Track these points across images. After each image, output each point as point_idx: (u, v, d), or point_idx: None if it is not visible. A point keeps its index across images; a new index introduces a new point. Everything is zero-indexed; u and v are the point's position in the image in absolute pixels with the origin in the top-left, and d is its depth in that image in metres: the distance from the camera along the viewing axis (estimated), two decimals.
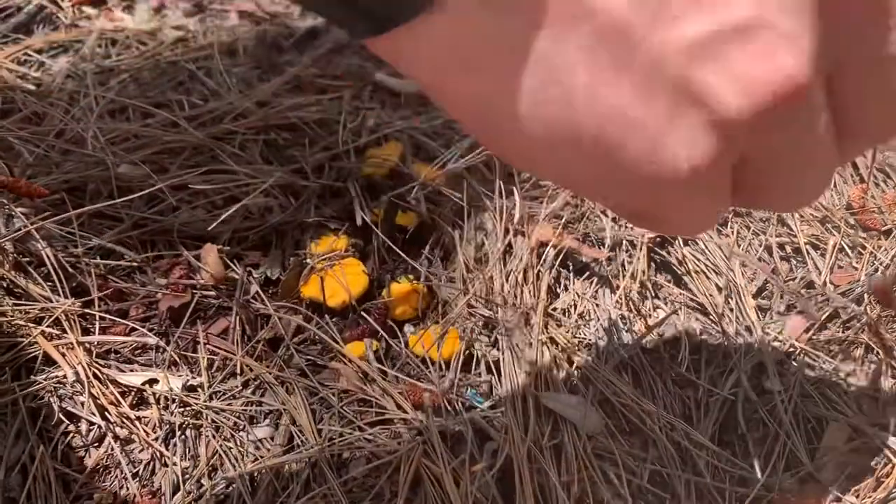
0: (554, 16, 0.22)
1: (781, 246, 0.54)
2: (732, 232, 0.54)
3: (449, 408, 0.46)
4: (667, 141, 0.23)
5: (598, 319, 0.50)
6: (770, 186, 0.26)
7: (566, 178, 0.27)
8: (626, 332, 0.50)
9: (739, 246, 0.54)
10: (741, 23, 0.21)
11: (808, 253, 0.54)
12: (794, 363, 0.50)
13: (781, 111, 0.22)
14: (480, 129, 0.26)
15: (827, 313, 0.51)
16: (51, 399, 0.47)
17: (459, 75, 0.24)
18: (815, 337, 0.50)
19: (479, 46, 0.23)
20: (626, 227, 0.54)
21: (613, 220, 0.54)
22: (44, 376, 0.48)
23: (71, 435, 0.46)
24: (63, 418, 0.47)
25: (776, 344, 0.50)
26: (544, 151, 0.25)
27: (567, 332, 0.49)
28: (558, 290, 0.51)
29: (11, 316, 0.49)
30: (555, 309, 0.50)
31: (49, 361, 0.48)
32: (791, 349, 0.50)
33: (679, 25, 0.22)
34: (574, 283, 0.52)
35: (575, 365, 0.48)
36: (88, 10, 0.76)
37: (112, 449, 0.46)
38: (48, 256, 0.51)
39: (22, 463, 0.45)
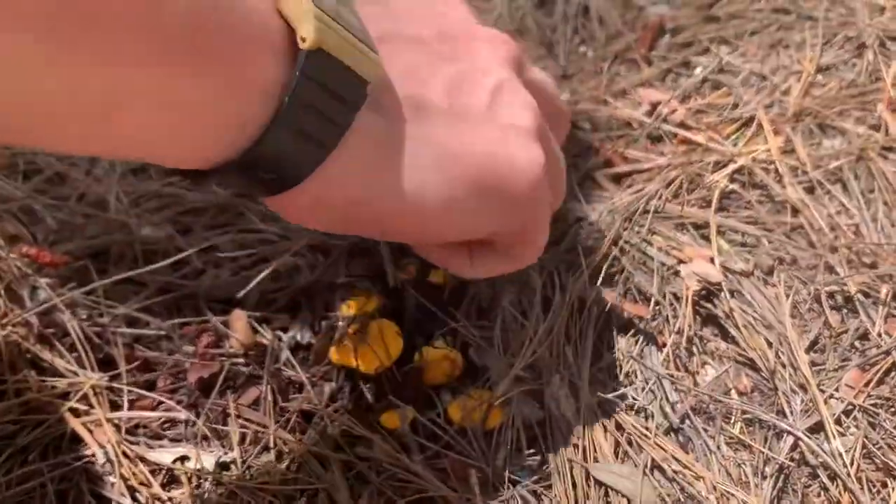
0: (409, 112, 0.34)
1: (831, 295, 0.52)
2: (779, 282, 0.52)
3: (497, 484, 0.43)
4: (514, 153, 0.36)
5: (646, 380, 0.48)
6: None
7: (469, 226, 0.38)
8: (675, 391, 0.48)
9: (787, 296, 0.51)
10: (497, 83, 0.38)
11: (859, 302, 0.51)
12: (853, 422, 0.47)
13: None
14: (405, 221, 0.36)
15: (884, 367, 0.49)
16: (80, 480, 0.45)
17: (365, 190, 0.33)
18: (873, 392, 0.48)
19: (378, 158, 0.33)
20: (669, 279, 0.52)
21: (656, 272, 0.52)
22: (72, 456, 0.46)
23: None
24: (92, 500, 0.45)
25: (833, 402, 0.48)
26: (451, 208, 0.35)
27: (613, 394, 0.47)
28: (602, 350, 0.49)
29: (38, 392, 0.47)
30: (600, 370, 0.48)
31: (76, 439, 0.47)
32: (850, 407, 0.47)
33: (476, 95, 0.37)
34: (618, 342, 0.50)
35: (624, 431, 0.46)
36: None
37: None
38: (73, 329, 0.49)
39: None
